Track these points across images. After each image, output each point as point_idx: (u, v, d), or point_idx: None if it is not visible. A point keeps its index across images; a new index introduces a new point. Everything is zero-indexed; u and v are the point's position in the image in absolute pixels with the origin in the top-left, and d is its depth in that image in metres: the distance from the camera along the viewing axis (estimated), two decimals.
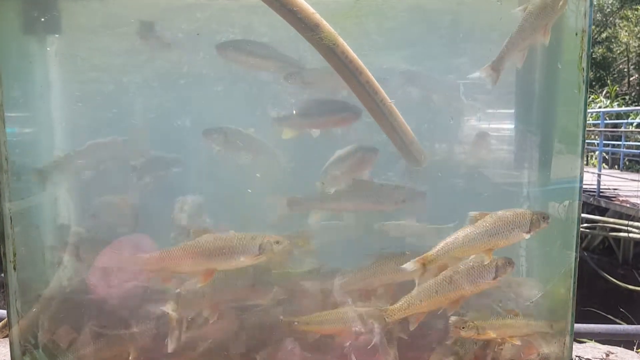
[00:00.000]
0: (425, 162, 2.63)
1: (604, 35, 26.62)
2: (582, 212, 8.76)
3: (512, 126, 2.83)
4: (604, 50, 26.04)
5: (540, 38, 2.32)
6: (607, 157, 16.92)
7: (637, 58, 25.75)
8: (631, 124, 16.87)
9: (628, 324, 5.40)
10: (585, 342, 3.55)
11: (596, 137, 15.53)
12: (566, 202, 2.50)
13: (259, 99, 2.80)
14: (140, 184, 2.75)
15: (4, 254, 2.47)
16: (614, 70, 26.51)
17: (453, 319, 2.34)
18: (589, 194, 11.73)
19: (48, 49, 2.68)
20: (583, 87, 2.35)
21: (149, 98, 2.81)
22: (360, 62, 2.36)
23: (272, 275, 2.59)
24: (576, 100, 2.38)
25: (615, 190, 12.19)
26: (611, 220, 11.03)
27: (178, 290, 2.41)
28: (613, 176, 13.83)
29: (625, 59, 26.24)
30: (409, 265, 2.24)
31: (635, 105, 21.70)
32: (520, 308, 2.56)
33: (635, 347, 3.53)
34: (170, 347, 2.33)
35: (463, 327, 2.33)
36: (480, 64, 2.41)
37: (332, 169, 2.68)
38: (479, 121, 2.78)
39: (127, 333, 2.49)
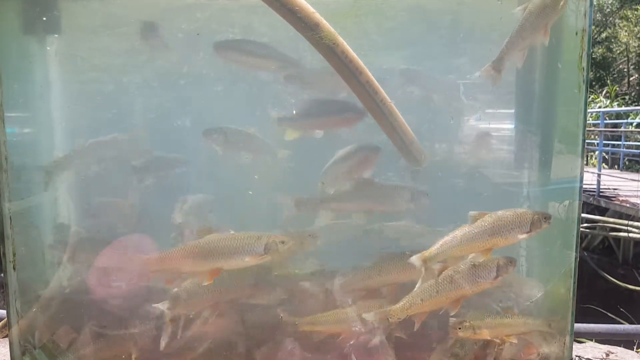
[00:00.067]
0: (425, 162, 2.63)
1: (603, 35, 26.62)
2: (582, 212, 8.77)
3: (512, 126, 2.83)
4: (604, 50, 26.04)
5: (541, 38, 2.32)
6: (607, 157, 16.92)
7: (637, 58, 25.75)
8: (631, 123, 16.87)
9: (628, 323, 5.40)
10: (585, 342, 3.55)
11: (596, 137, 15.53)
12: (566, 202, 2.50)
13: (259, 99, 2.80)
14: (142, 183, 2.75)
15: (4, 254, 2.47)
16: (613, 70, 26.51)
17: (452, 320, 2.34)
18: (589, 194, 11.74)
19: (48, 48, 2.68)
20: (583, 87, 2.35)
21: (149, 98, 2.81)
22: (360, 62, 2.36)
23: (275, 276, 2.59)
24: (576, 100, 2.38)
25: (615, 190, 12.19)
26: (611, 220, 11.03)
27: (176, 289, 2.40)
28: (613, 176, 13.83)
29: (625, 59, 26.24)
30: (414, 259, 2.24)
31: (635, 105, 21.70)
32: (520, 307, 2.56)
33: (635, 347, 3.53)
34: (163, 344, 2.33)
35: (459, 328, 2.33)
36: (480, 64, 2.41)
37: (334, 169, 2.67)
38: (479, 121, 2.77)
39: (128, 333, 2.49)
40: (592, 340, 3.57)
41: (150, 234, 2.58)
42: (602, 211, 11.55)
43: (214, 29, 2.67)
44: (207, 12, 2.66)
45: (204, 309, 2.47)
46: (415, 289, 2.30)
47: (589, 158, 17.74)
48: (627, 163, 17.18)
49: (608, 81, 24.72)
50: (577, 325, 2.82)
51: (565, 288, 2.49)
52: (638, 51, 25.40)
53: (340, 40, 2.31)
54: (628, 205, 10.80)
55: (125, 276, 2.44)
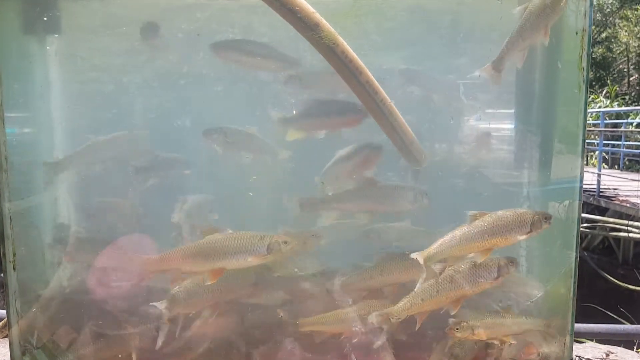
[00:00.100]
0: (425, 162, 2.63)
1: (603, 35, 26.61)
2: (582, 212, 8.76)
3: (512, 126, 2.83)
4: (604, 50, 26.04)
5: (541, 38, 2.32)
6: (607, 157, 16.92)
7: (637, 58, 25.74)
8: (631, 123, 16.87)
9: (628, 323, 5.40)
10: (585, 342, 3.54)
11: (596, 137, 15.53)
12: (566, 202, 2.50)
13: (259, 98, 2.80)
14: (143, 183, 2.75)
15: (4, 254, 2.47)
16: (613, 70, 26.51)
17: (451, 320, 2.34)
18: (589, 194, 11.73)
19: (48, 48, 2.68)
20: (583, 87, 2.35)
21: (149, 98, 2.80)
22: (360, 62, 2.36)
23: (276, 277, 2.59)
24: (576, 100, 2.38)
25: (615, 190, 12.18)
26: (611, 220, 11.03)
27: (176, 288, 2.40)
28: (613, 176, 13.83)
29: (625, 58, 26.24)
30: (416, 255, 2.23)
31: (635, 105, 21.70)
32: (520, 307, 2.56)
33: (635, 347, 3.53)
34: (159, 343, 2.32)
35: (457, 329, 2.33)
36: (480, 64, 2.41)
37: (336, 168, 2.67)
38: (479, 121, 2.77)
39: (128, 333, 2.48)
40: (592, 340, 3.57)
41: (150, 234, 2.58)
42: (602, 211, 11.55)
43: (214, 29, 2.67)
44: (207, 12, 2.66)
45: (203, 309, 2.47)
46: (416, 289, 2.30)
47: (589, 158, 17.73)
48: (627, 163, 17.18)
49: (608, 81, 24.72)
50: (577, 325, 2.82)
51: (565, 288, 2.49)
52: (638, 51, 25.40)
53: (340, 40, 2.31)
54: (628, 205, 10.80)
55: (127, 276, 2.44)
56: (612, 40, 26.68)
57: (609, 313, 6.10)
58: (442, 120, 2.81)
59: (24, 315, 2.52)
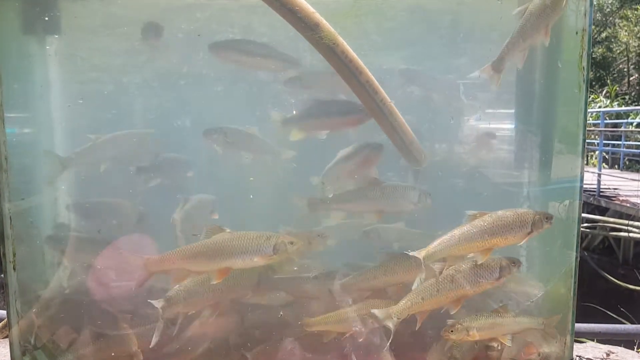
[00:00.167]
0: (425, 162, 2.63)
1: (603, 35, 26.60)
2: (583, 212, 8.77)
3: (512, 126, 2.83)
4: (604, 50, 26.03)
5: (541, 38, 2.32)
6: (607, 156, 16.92)
7: (637, 58, 25.73)
8: (631, 123, 16.86)
9: (629, 323, 5.40)
10: (585, 342, 3.54)
11: (596, 136, 15.53)
12: (566, 202, 2.50)
13: (259, 98, 2.80)
14: (148, 183, 2.74)
15: (4, 254, 2.46)
16: (613, 70, 26.50)
17: (449, 321, 2.33)
18: (589, 194, 11.73)
19: (47, 48, 2.68)
20: (583, 87, 2.35)
21: (149, 98, 2.80)
22: (360, 62, 2.36)
23: (278, 278, 2.58)
24: (576, 100, 2.38)
25: (616, 190, 12.18)
26: (611, 220, 11.03)
27: (176, 287, 2.39)
28: (613, 176, 13.82)
29: (625, 58, 26.23)
30: (416, 254, 2.22)
31: (635, 105, 21.69)
32: (520, 307, 2.56)
33: (635, 347, 3.53)
34: (154, 341, 2.32)
35: (452, 331, 2.31)
36: (480, 64, 2.41)
37: (338, 168, 2.67)
38: (479, 121, 2.77)
39: (128, 333, 2.48)
40: (592, 340, 3.57)
41: (151, 234, 2.58)
42: (603, 211, 11.54)
43: (214, 29, 2.67)
44: (207, 12, 2.66)
45: (203, 309, 2.46)
46: (413, 287, 2.29)
47: (589, 158, 17.73)
48: (627, 163, 17.18)
49: (608, 81, 24.71)
50: (577, 325, 2.81)
51: (565, 288, 2.48)
52: (638, 51, 25.39)
53: (340, 40, 2.31)
54: (628, 205, 10.80)
55: (128, 276, 2.42)
56: (612, 40, 26.67)
57: (610, 313, 6.10)
58: (442, 120, 2.81)
59: (24, 315, 2.52)
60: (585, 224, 11.32)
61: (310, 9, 2.26)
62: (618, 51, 26.61)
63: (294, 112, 2.69)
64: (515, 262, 2.32)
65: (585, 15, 2.32)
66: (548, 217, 2.28)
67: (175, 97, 2.82)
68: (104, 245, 2.56)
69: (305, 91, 2.74)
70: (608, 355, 3.23)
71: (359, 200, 2.71)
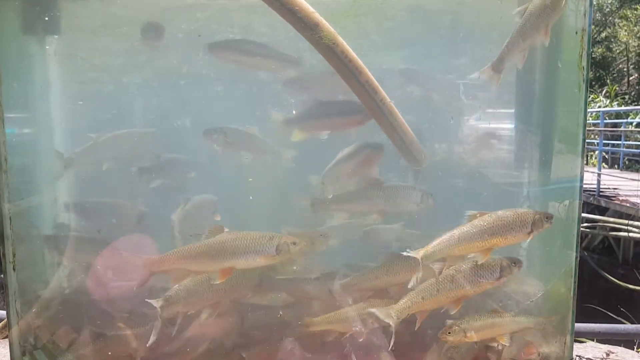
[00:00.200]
0: (425, 162, 2.63)
1: (603, 34, 26.61)
2: (582, 212, 8.75)
3: (512, 126, 2.83)
4: (604, 49, 26.03)
5: (541, 38, 2.32)
6: (606, 156, 16.92)
7: (637, 57, 25.73)
8: (631, 123, 16.87)
9: (629, 323, 5.40)
10: (585, 342, 3.54)
11: (596, 136, 15.54)
12: (566, 202, 2.50)
13: (260, 98, 2.80)
14: (150, 183, 2.74)
15: (4, 254, 2.46)
16: (613, 69, 26.50)
17: (448, 322, 2.33)
18: (589, 194, 11.73)
19: (47, 48, 2.68)
20: (583, 86, 2.35)
21: (149, 98, 2.80)
22: (360, 62, 2.36)
23: (279, 278, 2.58)
24: (576, 100, 2.38)
25: (615, 190, 12.18)
26: (611, 219, 11.03)
27: (175, 286, 2.39)
28: (613, 176, 13.82)
29: (625, 58, 26.23)
30: (413, 254, 2.22)
31: (635, 105, 21.70)
32: (520, 306, 2.55)
33: (635, 347, 3.53)
34: (152, 340, 2.32)
35: (449, 332, 2.30)
36: (480, 64, 2.41)
37: (339, 168, 2.67)
38: (479, 121, 2.77)
39: (129, 333, 2.48)
40: (592, 340, 3.57)
41: (152, 234, 2.58)
42: (602, 211, 11.55)
43: (214, 29, 2.67)
44: (207, 12, 2.66)
45: (202, 309, 2.46)
46: (409, 285, 2.28)
47: (589, 158, 17.73)
48: (627, 163, 17.18)
49: (608, 81, 24.72)
50: (577, 324, 2.81)
51: (565, 287, 2.48)
52: (638, 51, 25.39)
53: (340, 40, 2.31)
54: (628, 204, 10.80)
55: (129, 276, 2.42)
56: (612, 39, 26.67)
57: (609, 313, 6.10)
58: (442, 120, 2.81)
59: (24, 315, 2.52)
60: (585, 224, 11.32)
61: (309, 8, 2.26)
62: (618, 51, 26.61)
63: (294, 112, 2.69)
64: (516, 262, 2.31)
65: (584, 15, 2.32)
66: (548, 217, 2.28)
67: (175, 97, 2.82)
68: (105, 245, 2.56)
69: (304, 92, 2.74)
70: (608, 355, 3.23)
71: (361, 201, 2.71)
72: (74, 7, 2.70)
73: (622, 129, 16.34)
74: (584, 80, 2.34)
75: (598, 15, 25.93)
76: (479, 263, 2.26)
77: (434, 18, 2.71)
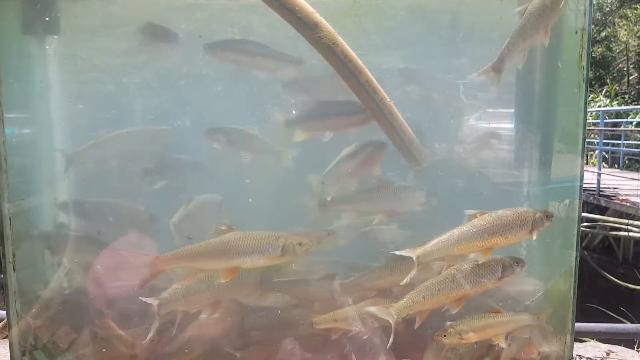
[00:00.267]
0: (425, 162, 2.63)
1: (603, 34, 26.61)
2: (582, 211, 8.77)
3: (512, 125, 2.83)
4: (604, 49, 26.03)
5: (541, 38, 2.32)
6: (606, 156, 16.92)
7: (637, 57, 25.74)
8: (631, 122, 16.87)
9: (629, 322, 5.40)
10: (586, 341, 3.54)
11: (596, 136, 15.54)
12: (566, 201, 2.50)
13: (260, 98, 2.80)
14: (156, 183, 2.74)
15: (4, 254, 2.47)
16: (613, 69, 26.50)
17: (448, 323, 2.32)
18: (589, 193, 11.74)
19: (47, 47, 2.68)
20: (583, 86, 2.35)
21: (149, 98, 2.80)
22: (359, 62, 2.36)
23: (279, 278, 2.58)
24: (576, 99, 2.38)
25: (615, 189, 12.19)
26: (611, 219, 11.04)
27: (174, 285, 2.39)
28: (613, 175, 13.83)
29: (625, 57, 26.23)
30: (408, 252, 2.21)
31: (635, 104, 21.70)
32: (520, 306, 2.55)
33: (635, 346, 3.53)
34: (149, 337, 2.32)
35: (444, 335, 2.29)
36: (480, 64, 2.40)
37: (340, 167, 2.66)
38: (479, 120, 2.77)
39: (129, 333, 2.48)
40: (592, 339, 3.57)
41: (154, 234, 2.58)
42: (602, 210, 11.55)
43: (214, 29, 2.67)
44: (207, 12, 2.66)
45: (202, 308, 2.46)
46: (402, 283, 2.26)
47: (588, 157, 17.74)
48: (627, 162, 17.18)
49: (608, 80, 24.72)
50: (577, 324, 2.81)
51: (565, 287, 2.48)
52: (637, 50, 25.39)
53: (340, 39, 2.31)
54: (628, 204, 10.81)
55: (134, 275, 2.41)
56: (612, 39, 26.68)
57: (609, 312, 6.10)
58: (442, 120, 2.81)
59: (24, 315, 2.52)
60: (585, 223, 11.33)
61: (309, 8, 2.26)
62: (617, 50, 26.62)
63: (294, 112, 2.69)
64: (518, 262, 2.30)
65: (584, 14, 2.32)
66: (548, 215, 2.27)
67: (175, 97, 2.82)
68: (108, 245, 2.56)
69: (304, 92, 2.73)
70: (608, 354, 3.23)
71: (369, 201, 2.70)
72: (74, 7, 2.69)
73: (622, 128, 16.34)
74: (583, 80, 2.34)
75: (598, 15, 25.94)
76: (481, 263, 2.26)
77: (434, 18, 2.71)
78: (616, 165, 16.77)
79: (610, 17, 26.83)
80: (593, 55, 23.66)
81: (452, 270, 2.28)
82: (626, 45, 25.89)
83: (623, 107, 19.18)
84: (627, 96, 23.34)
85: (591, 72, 22.58)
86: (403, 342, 2.39)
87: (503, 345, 2.35)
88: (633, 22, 25.49)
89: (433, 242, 2.24)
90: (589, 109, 15.52)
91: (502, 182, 2.80)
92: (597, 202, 11.62)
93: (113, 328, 2.47)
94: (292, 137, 2.65)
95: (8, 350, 2.51)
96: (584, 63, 2.33)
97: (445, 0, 2.71)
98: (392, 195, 2.68)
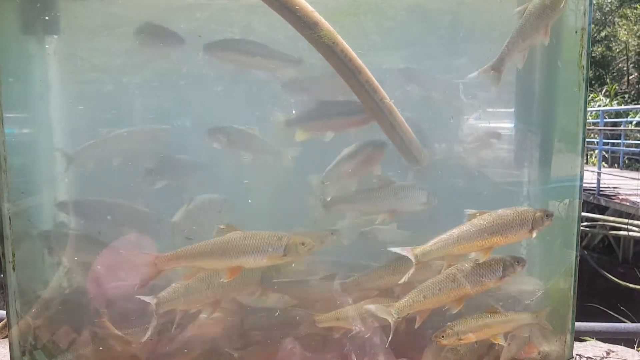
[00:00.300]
0: (425, 161, 2.63)
1: (603, 34, 26.60)
2: (582, 211, 8.76)
3: (512, 125, 2.82)
4: (603, 49, 26.02)
5: (541, 38, 2.31)
6: (606, 155, 16.92)
7: (636, 56, 25.73)
8: (630, 122, 16.87)
9: (629, 322, 5.40)
10: (586, 341, 3.54)
11: (596, 135, 15.54)
12: (566, 201, 2.50)
13: (260, 98, 2.80)
14: (153, 184, 2.74)
15: (3, 254, 2.46)
16: (613, 68, 26.49)
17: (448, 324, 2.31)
18: (588, 193, 11.73)
19: (47, 47, 2.68)
20: (583, 86, 2.35)
21: (149, 98, 2.80)
22: (359, 61, 2.36)
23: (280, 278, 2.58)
24: (576, 99, 2.38)
25: (615, 189, 12.18)
26: (611, 218, 11.03)
27: (173, 285, 2.38)
28: (613, 175, 13.82)
29: (625, 57, 26.22)
30: (406, 252, 2.21)
31: (635, 104, 21.69)
32: (520, 305, 2.55)
33: (636, 346, 3.53)
34: (146, 336, 2.31)
35: (442, 336, 2.29)
36: (480, 63, 2.40)
37: (341, 167, 2.66)
38: (479, 120, 2.77)
39: (129, 333, 2.48)
40: (592, 338, 3.57)
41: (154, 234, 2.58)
42: (602, 210, 11.54)
43: (213, 29, 2.67)
44: (207, 12, 2.66)
45: (201, 307, 2.45)
46: (400, 281, 2.27)
47: (588, 157, 17.73)
48: (626, 162, 17.17)
49: (607, 80, 24.71)
50: (577, 323, 2.81)
51: (565, 286, 2.48)
52: (637, 50, 25.38)
53: (340, 39, 2.31)
54: (628, 203, 10.80)
55: (136, 275, 2.40)
56: (612, 39, 26.67)
57: (610, 312, 6.10)
58: (442, 120, 2.81)
59: (24, 315, 2.52)
60: (585, 223, 11.32)
61: (309, 7, 2.26)
62: (617, 50, 26.61)
63: (294, 112, 2.69)
64: (519, 261, 2.30)
65: (584, 14, 2.32)
66: (548, 214, 2.27)
67: (175, 97, 2.82)
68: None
69: (304, 92, 2.73)
70: (608, 354, 3.23)
71: (368, 201, 2.70)
72: (74, 7, 2.69)
73: (621, 128, 16.34)
74: (583, 80, 2.34)
75: (598, 15, 25.92)
76: (481, 262, 2.25)
77: (434, 18, 2.71)
78: (616, 165, 16.76)
79: (610, 17, 26.83)
80: (593, 55, 23.66)
81: (453, 269, 2.28)
82: (626, 44, 25.88)
83: (623, 106, 19.17)
84: (627, 96, 23.33)
85: (591, 71, 22.57)
86: (403, 342, 2.39)
87: (503, 344, 2.35)
88: (633, 22, 25.48)
89: (433, 242, 2.24)
90: (588, 109, 15.51)
91: (502, 181, 2.80)
92: (597, 202, 11.61)
93: (109, 328, 2.47)
94: (292, 137, 2.64)
95: (8, 350, 2.51)
96: (584, 63, 2.33)
97: (445, 0, 2.71)
98: (392, 195, 2.67)
